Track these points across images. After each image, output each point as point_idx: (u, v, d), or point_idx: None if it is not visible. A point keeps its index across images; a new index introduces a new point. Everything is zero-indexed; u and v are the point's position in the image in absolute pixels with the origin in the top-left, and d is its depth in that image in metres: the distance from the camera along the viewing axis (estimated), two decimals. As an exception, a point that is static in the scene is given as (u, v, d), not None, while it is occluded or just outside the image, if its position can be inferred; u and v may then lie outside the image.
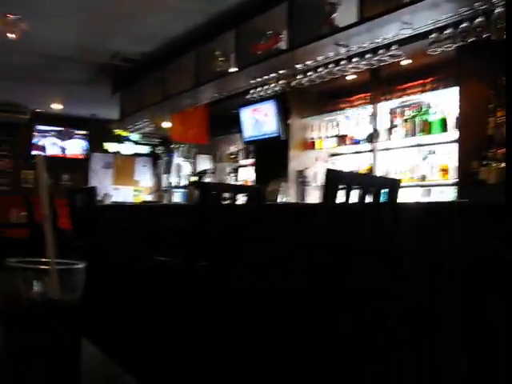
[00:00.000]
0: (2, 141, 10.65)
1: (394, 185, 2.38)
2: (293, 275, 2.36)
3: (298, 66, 4.80)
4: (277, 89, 5.26)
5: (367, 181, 2.40)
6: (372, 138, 5.61)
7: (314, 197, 6.07)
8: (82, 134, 11.15)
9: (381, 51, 4.19)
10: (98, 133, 10.95)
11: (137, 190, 11.32)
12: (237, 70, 5.35)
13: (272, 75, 5.14)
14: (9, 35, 5.71)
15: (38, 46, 6.62)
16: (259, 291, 2.46)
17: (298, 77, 4.91)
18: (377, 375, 2.29)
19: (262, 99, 6.01)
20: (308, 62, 4.70)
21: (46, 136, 10.91)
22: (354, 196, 2.21)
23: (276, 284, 2.34)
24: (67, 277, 0.61)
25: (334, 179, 2.14)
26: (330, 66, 4.57)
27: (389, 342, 2.40)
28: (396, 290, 2.40)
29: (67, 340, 0.62)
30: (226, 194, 3.17)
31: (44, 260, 0.62)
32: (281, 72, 5.00)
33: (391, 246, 2.38)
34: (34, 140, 10.81)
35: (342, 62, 4.42)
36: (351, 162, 6.17)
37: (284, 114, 6.58)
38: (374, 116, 5.61)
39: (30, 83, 8.57)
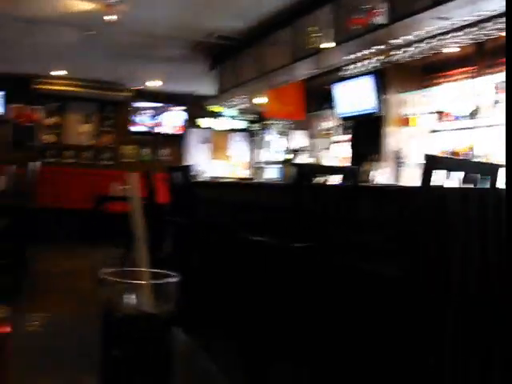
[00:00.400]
0: (104, 118, 11.09)
1: (494, 170, 2.27)
2: (387, 260, 2.31)
3: (396, 41, 4.64)
4: (374, 64, 5.12)
5: (467, 166, 2.30)
6: (474, 114, 5.36)
7: (410, 177, 5.91)
8: (180, 110, 11.39)
9: (484, 24, 3.97)
10: (196, 109, 11.17)
11: (232, 164, 11.47)
12: (333, 45, 5.24)
13: (369, 50, 5.00)
14: (108, 17, 5.89)
15: (137, 26, 6.78)
16: (354, 274, 2.43)
17: (397, 52, 4.75)
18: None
19: (359, 74, 5.89)
20: (407, 37, 4.53)
21: (145, 112, 11.23)
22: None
23: (370, 269, 2.29)
24: (161, 290, 0.62)
25: (433, 165, 2.06)
26: (430, 40, 4.38)
27: None
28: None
29: (161, 348, 0.63)
30: (321, 175, 3.14)
31: (138, 270, 0.63)
32: (378, 47, 4.86)
33: (493, 231, 2.28)
34: (134, 116, 11.16)
35: (443, 37, 4.22)
36: (450, 140, 5.94)
37: (381, 89, 6.42)
38: (476, 91, 5.36)
39: (130, 62, 8.83)
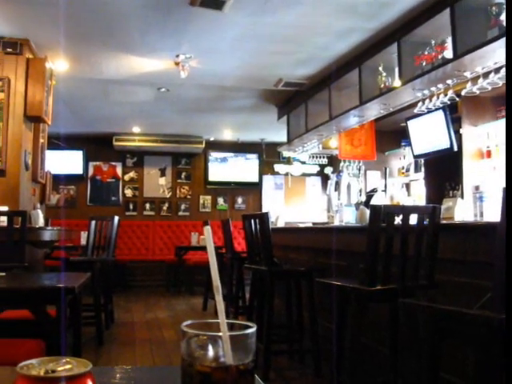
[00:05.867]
0: (180, 170, 11.40)
1: None
2: (476, 302, 2.22)
3: (466, 74, 4.57)
4: (445, 100, 5.04)
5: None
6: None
7: (493, 211, 5.69)
8: (253, 158, 11.56)
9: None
10: (268, 156, 11.32)
11: (307, 209, 11.48)
12: (401, 83, 5.22)
13: (439, 86, 4.95)
14: (180, 73, 6.13)
15: (207, 80, 7.02)
16: (441, 316, 2.35)
17: (468, 85, 4.67)
18: None
19: (430, 110, 5.81)
20: (477, 69, 4.45)
21: (219, 162, 11.46)
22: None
23: (459, 310, 2.21)
24: (240, 341, 0.62)
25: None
26: (502, 70, 4.29)
27: None
28: None
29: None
30: (399, 215, 3.09)
31: (217, 322, 0.64)
32: (449, 82, 4.79)
33: None
34: (209, 166, 11.40)
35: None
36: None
37: (453, 124, 6.30)
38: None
39: (202, 114, 9.11)
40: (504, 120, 6.08)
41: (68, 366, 0.62)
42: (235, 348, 0.62)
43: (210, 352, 0.62)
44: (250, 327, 0.64)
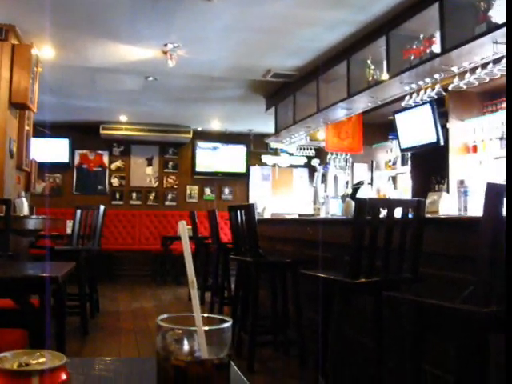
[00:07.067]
0: (168, 159, 11.35)
1: None
2: (459, 294, 2.24)
3: (454, 69, 4.58)
4: (432, 94, 5.06)
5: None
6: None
7: (477, 206, 5.74)
8: (241, 149, 11.54)
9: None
10: (256, 146, 11.30)
11: (294, 201, 11.49)
12: (389, 77, 5.22)
13: (427, 80, 4.96)
14: (168, 62, 6.09)
15: (194, 70, 6.98)
16: (425, 310, 2.36)
17: (455, 80, 4.68)
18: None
19: (417, 104, 5.83)
20: (465, 64, 4.47)
21: (206, 152, 11.43)
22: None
23: (442, 304, 2.22)
24: (215, 335, 0.62)
25: (495, 194, 2.00)
26: (489, 66, 4.30)
27: None
28: None
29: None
30: (384, 208, 3.10)
31: (193, 316, 0.64)
32: (436, 76, 4.80)
33: None
34: (196, 156, 11.37)
35: (503, 61, 4.13)
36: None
37: (440, 118, 6.32)
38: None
39: (189, 104, 9.07)
40: (490, 116, 6.11)
41: (42, 360, 0.62)
42: (210, 342, 0.61)
43: (186, 346, 0.62)
44: (225, 321, 0.63)
